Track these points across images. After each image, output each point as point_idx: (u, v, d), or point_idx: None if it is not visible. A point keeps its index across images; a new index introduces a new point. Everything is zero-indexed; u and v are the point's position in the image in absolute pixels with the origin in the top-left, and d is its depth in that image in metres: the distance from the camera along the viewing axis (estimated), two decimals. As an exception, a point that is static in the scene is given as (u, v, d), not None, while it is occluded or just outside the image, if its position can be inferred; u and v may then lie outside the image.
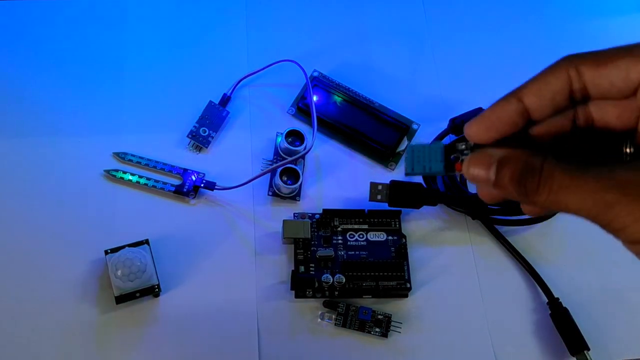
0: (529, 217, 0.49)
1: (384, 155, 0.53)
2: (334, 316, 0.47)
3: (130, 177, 0.50)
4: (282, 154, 0.52)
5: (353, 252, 0.49)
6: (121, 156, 0.51)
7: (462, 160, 0.28)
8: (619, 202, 0.24)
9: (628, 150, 0.27)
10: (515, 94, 0.28)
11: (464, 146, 0.29)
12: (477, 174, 0.27)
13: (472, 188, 0.52)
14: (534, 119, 0.28)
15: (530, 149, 0.27)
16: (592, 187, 0.24)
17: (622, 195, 0.24)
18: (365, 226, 0.50)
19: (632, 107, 0.27)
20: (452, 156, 0.29)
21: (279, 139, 0.52)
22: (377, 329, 0.46)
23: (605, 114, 0.28)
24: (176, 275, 0.48)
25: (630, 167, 0.24)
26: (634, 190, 0.24)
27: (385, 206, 0.50)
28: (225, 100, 0.54)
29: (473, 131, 0.28)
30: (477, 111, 0.53)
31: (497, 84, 0.56)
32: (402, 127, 0.54)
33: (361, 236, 0.50)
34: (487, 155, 0.27)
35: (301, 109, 0.55)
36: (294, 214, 0.50)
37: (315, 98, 0.54)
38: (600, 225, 0.25)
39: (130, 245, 0.46)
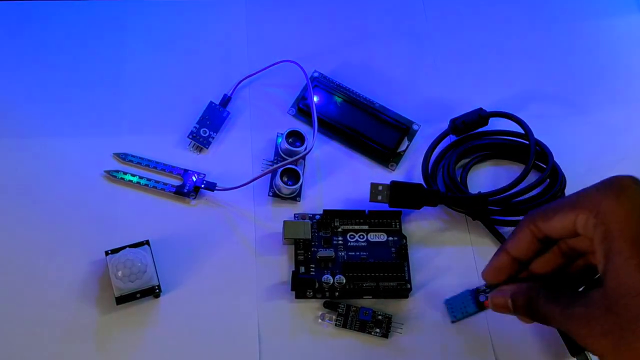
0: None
1: (385, 156, 0.53)
2: (334, 317, 0.47)
3: (131, 178, 0.50)
4: (282, 154, 0.52)
5: (353, 253, 0.49)
6: (122, 157, 0.51)
7: (487, 298, 0.42)
8: (576, 332, 0.35)
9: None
10: (503, 249, 0.40)
11: (485, 287, 0.47)
12: (500, 305, 0.40)
13: (472, 189, 0.52)
14: (524, 261, 0.40)
15: (530, 281, 0.40)
16: (560, 318, 0.36)
17: (576, 327, 0.35)
18: (366, 227, 0.50)
19: (585, 240, 0.37)
20: (479, 297, 0.47)
21: (280, 140, 0.52)
22: (378, 330, 0.46)
23: (574, 244, 0.39)
24: (177, 276, 0.48)
25: (583, 301, 0.35)
26: (583, 325, 0.34)
27: (385, 207, 0.50)
28: (226, 100, 0.54)
29: (487, 276, 0.42)
30: (478, 111, 0.53)
31: (497, 84, 0.58)
32: (403, 128, 0.54)
33: (361, 237, 0.50)
34: (503, 292, 0.40)
35: (302, 109, 0.55)
36: (295, 214, 0.50)
37: (315, 99, 0.54)
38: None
39: (130, 246, 0.46)
